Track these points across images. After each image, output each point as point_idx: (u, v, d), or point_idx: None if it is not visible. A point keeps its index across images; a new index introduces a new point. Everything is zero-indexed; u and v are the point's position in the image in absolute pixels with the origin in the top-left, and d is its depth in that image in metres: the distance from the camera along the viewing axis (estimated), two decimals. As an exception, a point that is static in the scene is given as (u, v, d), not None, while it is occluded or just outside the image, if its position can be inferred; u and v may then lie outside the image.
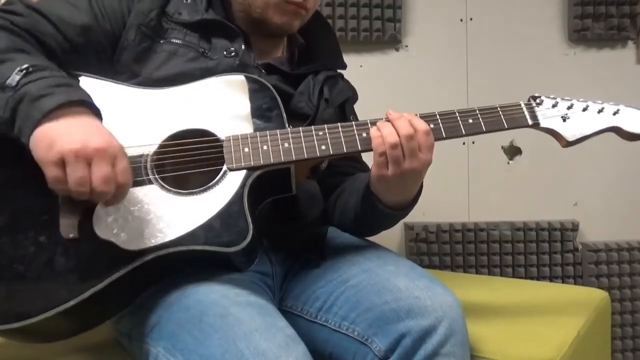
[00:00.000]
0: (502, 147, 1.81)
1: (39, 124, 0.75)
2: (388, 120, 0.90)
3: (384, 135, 0.87)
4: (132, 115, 0.91)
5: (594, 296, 1.24)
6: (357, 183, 1.02)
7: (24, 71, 0.78)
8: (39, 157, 0.75)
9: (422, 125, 0.88)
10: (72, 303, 0.77)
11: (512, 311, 1.14)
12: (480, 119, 0.93)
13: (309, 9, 1.06)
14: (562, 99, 0.96)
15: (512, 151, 1.81)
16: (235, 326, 0.74)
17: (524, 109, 0.95)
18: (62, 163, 0.74)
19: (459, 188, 1.81)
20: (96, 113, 0.81)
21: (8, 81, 0.77)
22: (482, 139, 1.78)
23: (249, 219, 0.83)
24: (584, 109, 0.95)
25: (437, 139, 0.91)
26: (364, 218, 1.01)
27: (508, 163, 1.82)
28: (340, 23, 1.73)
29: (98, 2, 0.96)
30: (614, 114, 0.94)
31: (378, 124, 0.90)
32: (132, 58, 0.97)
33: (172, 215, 0.84)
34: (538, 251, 1.79)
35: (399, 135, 0.87)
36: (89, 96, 0.82)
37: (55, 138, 0.74)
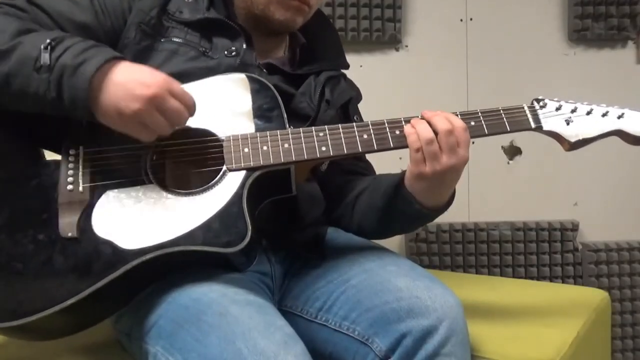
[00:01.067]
0: (502, 147, 1.81)
1: (89, 98, 0.79)
2: (423, 118, 0.90)
3: (418, 131, 0.88)
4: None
5: (594, 296, 1.24)
6: (383, 183, 1.01)
7: (49, 47, 0.80)
8: (116, 127, 0.82)
9: (459, 122, 0.89)
10: (70, 302, 0.77)
11: (512, 311, 1.14)
12: (483, 121, 0.93)
13: (312, 6, 1.05)
14: (566, 102, 0.95)
15: (512, 151, 1.81)
16: (234, 325, 0.74)
17: (527, 112, 0.95)
18: (140, 123, 0.81)
19: (459, 188, 1.80)
20: (124, 58, 0.84)
21: (40, 62, 0.79)
22: (483, 139, 1.78)
23: (248, 220, 0.83)
24: (588, 113, 0.94)
25: None
26: (392, 219, 1.00)
27: (508, 163, 1.82)
28: (340, 23, 1.73)
29: (99, 0, 0.96)
30: (619, 117, 0.92)
31: (412, 121, 0.90)
32: (132, 56, 0.96)
33: (171, 215, 0.83)
34: (538, 251, 1.79)
35: (437, 131, 0.87)
36: (111, 50, 0.85)
37: (115, 110, 0.80)
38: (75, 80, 0.78)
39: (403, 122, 0.91)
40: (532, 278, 1.78)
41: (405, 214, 0.97)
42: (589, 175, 1.81)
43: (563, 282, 1.79)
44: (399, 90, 1.77)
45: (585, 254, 1.80)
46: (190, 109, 0.84)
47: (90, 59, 0.79)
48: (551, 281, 1.78)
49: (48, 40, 0.80)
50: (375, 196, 1.02)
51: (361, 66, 1.75)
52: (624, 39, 1.79)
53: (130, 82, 0.80)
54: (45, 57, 0.79)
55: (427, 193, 0.93)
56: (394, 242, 1.81)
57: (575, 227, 1.79)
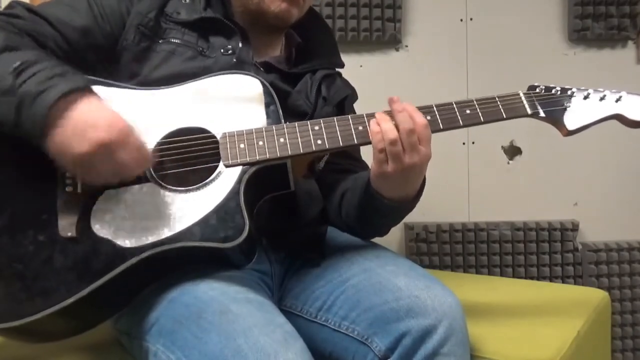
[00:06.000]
0: (502, 147, 1.81)
1: (45, 126, 0.77)
2: (389, 110, 0.89)
3: (383, 130, 0.87)
4: (130, 116, 0.91)
5: (594, 296, 1.24)
6: (359, 182, 1.01)
7: (16, 71, 0.78)
8: (61, 164, 0.81)
9: (421, 119, 0.88)
10: (70, 301, 0.78)
11: (512, 311, 1.14)
12: (478, 109, 0.92)
13: None
14: (563, 87, 0.95)
15: (512, 151, 1.81)
16: (234, 322, 0.74)
17: (523, 98, 0.94)
18: (85, 165, 0.78)
19: (459, 188, 1.81)
20: (92, 93, 0.82)
21: (4, 86, 0.78)
22: (482, 139, 1.79)
23: (246, 215, 0.83)
24: (585, 97, 0.93)
25: (434, 131, 0.90)
26: (368, 216, 1.00)
27: (508, 163, 1.82)
28: (340, 23, 1.73)
29: (97, 4, 0.97)
30: (616, 101, 0.92)
31: (378, 118, 0.89)
32: (131, 58, 0.97)
33: (169, 213, 0.84)
34: (538, 251, 1.79)
35: (398, 130, 0.86)
36: (82, 79, 0.82)
37: (64, 147, 0.77)
38: (34, 109, 0.77)
39: None
40: (532, 278, 1.77)
41: (378, 210, 0.96)
42: (589, 175, 1.81)
43: (563, 282, 1.78)
44: (399, 91, 1.73)
45: (585, 254, 1.80)
46: (143, 163, 0.82)
47: (53, 87, 0.77)
48: (551, 281, 1.78)
49: (18, 63, 0.79)
50: (354, 195, 1.02)
51: (361, 66, 1.75)
52: (624, 39, 1.79)
53: (85, 122, 0.77)
54: (9, 80, 0.78)
55: (392, 189, 0.93)
56: (394, 242, 1.82)
57: (575, 227, 1.79)
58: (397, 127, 0.86)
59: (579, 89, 0.94)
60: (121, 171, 0.80)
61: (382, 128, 0.87)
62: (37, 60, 0.81)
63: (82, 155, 0.77)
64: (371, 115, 0.91)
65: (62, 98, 0.77)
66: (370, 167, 1.17)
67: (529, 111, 0.94)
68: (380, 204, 0.94)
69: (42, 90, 0.77)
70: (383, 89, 1.72)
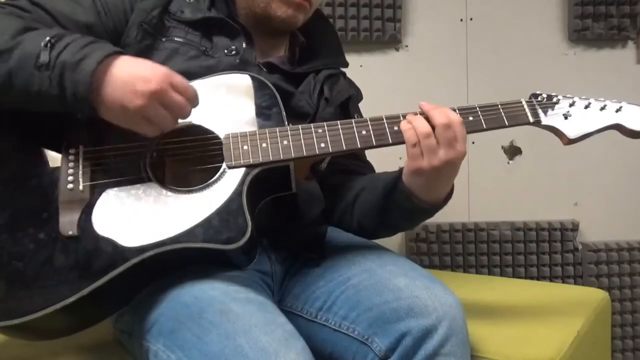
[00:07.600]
0: (502, 147, 1.81)
1: (91, 92, 0.79)
2: (420, 112, 0.90)
3: (415, 126, 0.87)
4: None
5: (594, 296, 1.24)
6: (381, 181, 1.01)
7: (49, 44, 0.80)
8: (120, 123, 0.83)
9: (456, 116, 0.89)
10: (70, 300, 0.77)
11: (512, 311, 1.14)
12: (481, 116, 0.93)
13: (313, 3, 1.06)
14: (564, 96, 0.96)
15: (512, 151, 1.81)
16: (235, 322, 0.74)
17: (525, 106, 0.95)
18: (144, 118, 0.81)
19: (459, 188, 1.79)
20: (124, 54, 0.84)
21: (41, 60, 0.79)
22: (482, 139, 1.78)
23: (248, 216, 0.83)
24: (586, 107, 0.94)
25: None
26: (394, 216, 1.00)
27: (508, 163, 1.82)
28: (340, 23, 1.73)
29: (101, 0, 0.97)
30: (617, 111, 0.93)
31: (408, 117, 0.90)
32: (133, 55, 0.97)
33: (171, 213, 0.84)
34: (538, 251, 1.79)
35: (434, 125, 0.87)
36: (111, 45, 0.85)
37: (119, 106, 0.80)
38: (77, 76, 0.79)
39: (401, 118, 0.91)
40: (532, 278, 1.78)
41: (404, 210, 0.96)
42: (589, 175, 1.81)
43: (563, 282, 1.79)
44: (399, 90, 1.77)
45: (585, 254, 1.80)
46: (193, 101, 0.85)
47: (90, 54, 0.80)
48: (551, 281, 1.78)
49: (48, 38, 0.80)
50: (374, 194, 1.02)
51: (361, 66, 1.75)
52: (624, 39, 1.79)
53: (131, 77, 0.80)
54: (45, 55, 0.79)
55: (425, 189, 0.92)
56: (394, 242, 1.81)
57: (575, 227, 1.79)
58: (432, 124, 0.87)
59: (580, 98, 0.95)
60: (177, 112, 0.82)
61: (414, 124, 0.88)
62: (64, 34, 0.83)
63: (139, 109, 0.79)
64: (374, 120, 0.91)
65: (102, 62, 0.80)
66: (373, 168, 1.18)
67: (530, 119, 0.94)
68: (408, 204, 0.94)
69: (81, 58, 0.79)
70: (383, 89, 1.73)
